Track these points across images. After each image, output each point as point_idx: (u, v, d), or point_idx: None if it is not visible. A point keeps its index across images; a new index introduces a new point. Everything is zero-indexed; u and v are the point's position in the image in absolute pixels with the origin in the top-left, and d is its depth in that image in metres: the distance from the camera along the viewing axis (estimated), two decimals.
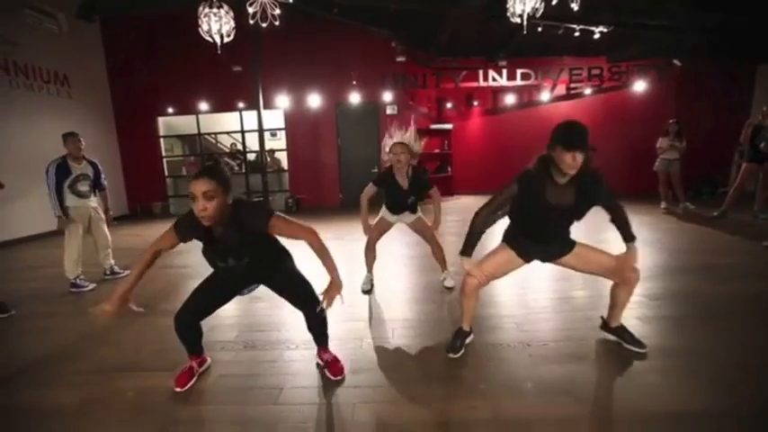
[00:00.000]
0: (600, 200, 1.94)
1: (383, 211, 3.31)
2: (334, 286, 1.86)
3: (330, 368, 2.08)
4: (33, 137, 6.37)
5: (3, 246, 6.00)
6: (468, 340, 2.32)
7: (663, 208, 6.53)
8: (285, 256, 2.08)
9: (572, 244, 2.11)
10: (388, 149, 3.04)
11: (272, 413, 1.81)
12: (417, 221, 3.27)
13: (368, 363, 2.23)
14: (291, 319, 2.67)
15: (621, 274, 2.08)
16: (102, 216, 4.00)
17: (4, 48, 6.03)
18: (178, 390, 1.99)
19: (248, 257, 1.84)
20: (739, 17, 5.95)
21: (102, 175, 3.99)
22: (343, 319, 2.78)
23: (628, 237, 2.07)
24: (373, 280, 3.46)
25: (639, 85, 8.35)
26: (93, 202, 3.90)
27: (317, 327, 2.06)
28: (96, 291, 3.75)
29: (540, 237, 2.08)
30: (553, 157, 1.83)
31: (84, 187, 3.76)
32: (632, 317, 2.62)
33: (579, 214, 1.96)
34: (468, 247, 2.12)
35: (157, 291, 3.64)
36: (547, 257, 2.14)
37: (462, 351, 2.24)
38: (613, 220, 2.08)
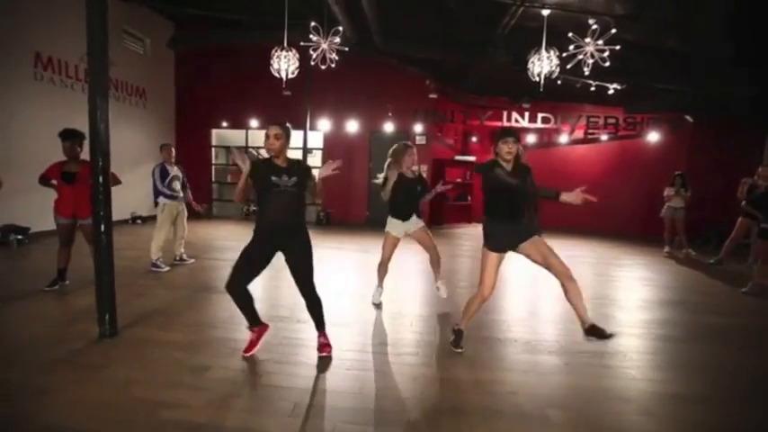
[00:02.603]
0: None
1: (389, 225, 3.58)
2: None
3: (321, 348, 2.64)
4: (117, 139, 7.37)
5: None
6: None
7: (665, 252, 7.02)
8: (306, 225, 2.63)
9: (536, 232, 2.65)
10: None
11: (342, 361, 2.58)
12: (421, 229, 3.60)
13: (395, 340, 3.02)
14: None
15: (553, 268, 2.56)
16: (186, 212, 4.95)
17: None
18: (246, 355, 2.59)
19: (296, 178, 2.48)
20: (738, 86, 6.58)
21: (186, 177, 5.00)
22: (372, 311, 3.58)
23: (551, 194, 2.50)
24: (382, 293, 3.76)
25: (653, 136, 8.95)
26: (182, 200, 4.87)
27: (316, 310, 2.62)
28: (170, 272, 4.61)
29: (510, 215, 2.62)
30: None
31: (177, 186, 4.74)
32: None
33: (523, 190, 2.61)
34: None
35: (214, 278, 4.49)
36: (516, 240, 2.62)
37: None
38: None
